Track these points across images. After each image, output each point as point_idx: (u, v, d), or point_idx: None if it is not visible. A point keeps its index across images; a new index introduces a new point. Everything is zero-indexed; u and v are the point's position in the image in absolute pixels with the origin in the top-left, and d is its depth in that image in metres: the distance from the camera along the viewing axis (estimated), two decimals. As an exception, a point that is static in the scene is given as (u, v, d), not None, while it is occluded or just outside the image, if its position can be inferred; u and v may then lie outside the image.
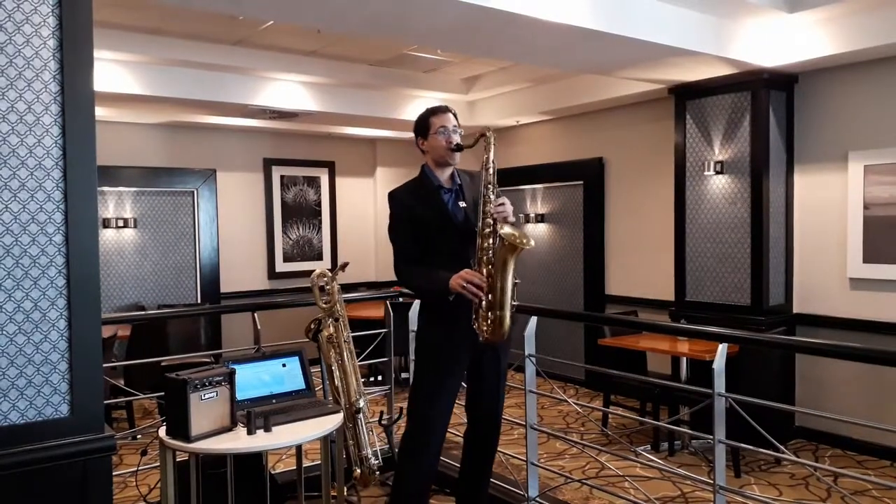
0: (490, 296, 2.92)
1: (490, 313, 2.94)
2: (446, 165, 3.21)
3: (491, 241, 2.95)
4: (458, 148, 3.13)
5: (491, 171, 2.98)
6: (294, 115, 6.92)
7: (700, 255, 5.55)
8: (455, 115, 3.22)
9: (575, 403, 4.02)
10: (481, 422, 3.31)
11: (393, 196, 3.24)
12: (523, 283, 7.70)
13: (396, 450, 3.44)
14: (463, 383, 3.31)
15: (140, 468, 3.94)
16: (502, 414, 3.39)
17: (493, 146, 3.01)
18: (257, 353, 3.73)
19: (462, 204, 3.18)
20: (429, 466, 3.21)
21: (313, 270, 3.61)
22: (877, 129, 4.91)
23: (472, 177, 3.27)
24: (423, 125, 3.22)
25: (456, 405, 3.29)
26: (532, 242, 2.89)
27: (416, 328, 3.32)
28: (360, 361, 3.60)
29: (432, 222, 3.13)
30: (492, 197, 2.96)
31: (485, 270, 2.94)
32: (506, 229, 2.89)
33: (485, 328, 2.96)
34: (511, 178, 7.77)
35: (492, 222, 2.95)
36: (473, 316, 2.99)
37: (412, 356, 3.42)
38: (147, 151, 7.41)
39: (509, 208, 3.00)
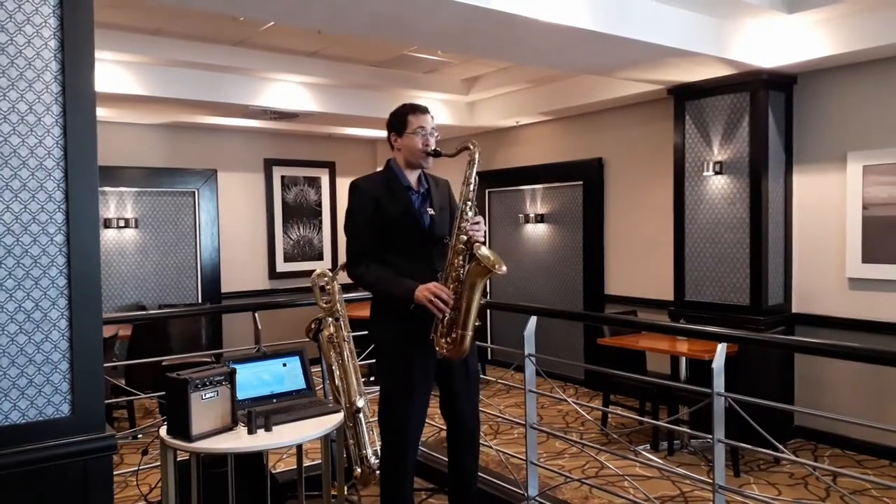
0: (454, 313, 2.87)
1: (452, 331, 2.89)
2: (416, 168, 3.11)
3: (461, 258, 2.89)
4: (436, 153, 3.05)
5: (472, 187, 2.91)
6: (294, 115, 6.94)
7: (699, 255, 5.56)
8: (433, 118, 3.13)
9: (574, 403, 4.02)
10: (459, 423, 3.22)
11: (357, 186, 3.09)
12: (523, 283, 7.72)
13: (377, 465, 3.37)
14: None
15: (141, 468, 3.95)
16: (478, 410, 3.31)
17: (476, 161, 2.92)
18: (258, 353, 3.73)
19: (430, 210, 3.09)
20: (409, 472, 3.12)
21: (314, 270, 3.62)
22: (876, 130, 4.92)
23: (437, 182, 3.21)
24: (399, 121, 3.09)
25: (432, 408, 3.23)
26: (504, 269, 2.83)
27: (372, 332, 3.17)
28: (360, 361, 3.61)
29: (398, 220, 3.03)
30: (469, 215, 2.90)
31: (452, 287, 2.89)
32: (482, 250, 2.84)
33: (444, 345, 2.92)
34: (511, 178, 7.79)
35: (465, 239, 2.89)
36: (433, 332, 2.92)
37: (377, 363, 3.26)
38: (148, 152, 7.43)
39: (483, 229, 2.93)
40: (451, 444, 3.27)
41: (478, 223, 2.91)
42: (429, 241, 3.04)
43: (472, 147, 2.94)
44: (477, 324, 2.92)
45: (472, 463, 3.28)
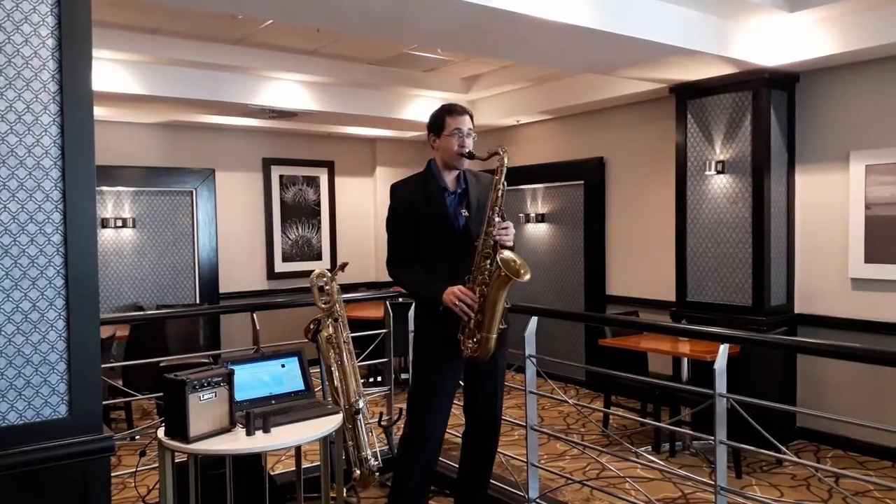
0: (480, 315, 2.96)
1: (477, 333, 2.98)
2: (453, 168, 3.19)
3: (488, 262, 2.96)
4: (470, 156, 3.12)
5: (500, 193, 2.98)
6: (293, 114, 6.91)
7: (701, 255, 5.54)
8: (472, 118, 3.19)
9: (575, 404, 4.01)
10: (480, 423, 3.30)
11: (395, 190, 3.23)
12: (524, 283, 7.67)
13: (396, 450, 3.43)
14: (461, 382, 3.31)
15: (139, 469, 3.94)
16: (501, 415, 3.37)
17: (504, 168, 2.99)
18: (256, 354, 3.71)
19: (464, 212, 3.17)
20: (428, 466, 3.20)
21: (312, 270, 3.60)
22: (878, 129, 4.90)
23: (478, 178, 3.26)
24: (437, 123, 3.18)
25: (455, 409, 3.28)
26: (528, 276, 2.90)
27: (413, 326, 3.34)
28: (359, 362, 3.59)
29: (432, 223, 3.12)
30: (496, 220, 2.96)
31: (478, 290, 2.96)
32: (505, 254, 2.92)
33: (470, 346, 3.00)
34: (511, 177, 7.66)
35: (492, 243, 2.96)
36: (459, 333, 3.02)
37: (412, 356, 3.40)
38: (146, 151, 7.40)
39: (511, 233, 3.01)
40: (469, 441, 3.33)
41: (506, 228, 2.98)
42: (463, 241, 3.11)
43: (501, 153, 3.00)
44: (503, 326, 3.01)
45: (487, 463, 3.35)
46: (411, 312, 4.29)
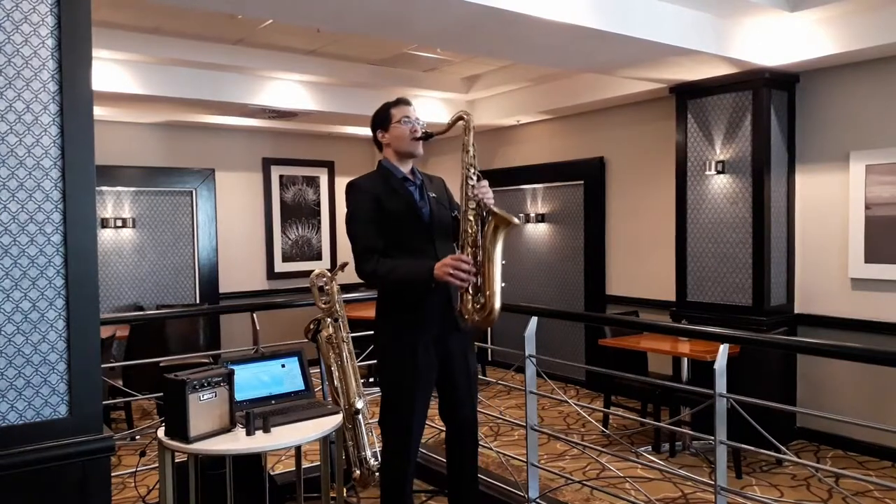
0: (478, 278, 2.84)
1: (479, 296, 2.85)
2: (409, 157, 3.11)
3: (474, 222, 2.86)
4: (426, 136, 3.04)
5: (471, 153, 2.89)
6: (293, 114, 6.91)
7: (701, 255, 5.54)
8: (415, 109, 3.13)
9: (575, 404, 4.00)
10: (459, 425, 3.20)
11: (355, 185, 3.07)
12: (523, 283, 7.69)
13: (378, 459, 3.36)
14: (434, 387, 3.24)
15: (139, 469, 3.94)
16: (477, 412, 3.29)
17: (471, 129, 2.91)
18: (256, 354, 3.71)
19: (431, 194, 3.09)
20: (410, 471, 3.13)
21: (312, 270, 3.60)
22: (878, 129, 4.90)
23: (431, 179, 3.21)
24: (382, 117, 3.12)
25: (432, 409, 3.22)
26: (517, 220, 2.86)
27: (377, 333, 3.15)
28: (359, 362, 3.59)
29: (400, 215, 3.01)
30: (474, 179, 2.87)
31: (470, 253, 2.86)
32: (495, 208, 2.84)
33: (474, 312, 2.85)
34: (511, 177, 7.76)
35: (475, 205, 2.87)
36: (458, 302, 2.89)
37: (380, 373, 3.22)
38: (146, 151, 7.40)
39: (491, 191, 2.90)
40: (451, 445, 3.26)
41: (485, 186, 2.89)
42: (431, 232, 3.03)
43: (465, 117, 2.93)
44: (502, 284, 2.88)
45: (471, 465, 3.27)
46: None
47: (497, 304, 2.83)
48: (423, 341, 2.99)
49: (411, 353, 2.99)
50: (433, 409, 3.21)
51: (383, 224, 3.00)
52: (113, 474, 2.68)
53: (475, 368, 3.25)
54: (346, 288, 3.60)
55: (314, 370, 3.52)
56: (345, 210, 3.14)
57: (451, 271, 2.79)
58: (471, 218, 2.87)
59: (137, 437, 5.39)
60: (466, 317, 2.88)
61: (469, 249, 2.87)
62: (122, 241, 7.23)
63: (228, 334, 7.63)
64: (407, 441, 3.05)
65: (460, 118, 2.93)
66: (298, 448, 3.47)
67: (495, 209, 2.83)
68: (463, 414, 3.18)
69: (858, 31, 4.54)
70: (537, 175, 7.55)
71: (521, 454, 4.02)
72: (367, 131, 8.24)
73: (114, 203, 7.21)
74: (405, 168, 3.12)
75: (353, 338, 3.56)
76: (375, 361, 3.22)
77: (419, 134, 3.05)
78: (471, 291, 2.86)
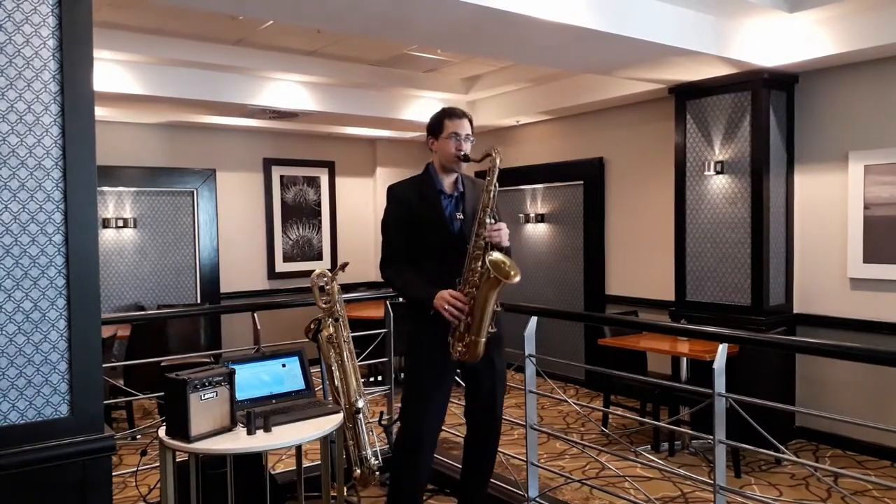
0: (469, 318, 2.93)
1: (467, 336, 2.95)
2: (450, 172, 3.19)
3: (479, 264, 2.93)
4: (465, 159, 3.11)
5: (492, 194, 2.95)
6: (294, 114, 6.92)
7: (700, 255, 5.55)
8: (471, 122, 3.18)
9: (575, 404, 4.02)
10: (479, 427, 3.29)
11: (392, 191, 3.22)
12: (523, 283, 7.65)
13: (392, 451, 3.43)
14: (461, 383, 3.31)
15: (140, 468, 3.94)
16: (502, 417, 3.36)
17: (496, 169, 2.96)
18: (257, 354, 3.72)
19: (459, 215, 3.15)
20: (423, 470, 3.19)
21: (313, 270, 3.60)
22: (877, 129, 4.91)
23: (475, 184, 3.25)
24: (436, 125, 3.19)
25: (456, 410, 3.28)
26: (518, 278, 2.87)
27: (407, 326, 3.31)
28: (359, 361, 3.60)
29: (427, 225, 3.11)
30: (488, 221, 2.94)
31: (468, 293, 2.94)
32: (495, 255, 2.88)
33: (459, 349, 2.98)
34: (511, 178, 7.76)
35: (483, 245, 2.93)
36: (449, 336, 3.00)
37: (406, 358, 3.38)
38: (147, 151, 7.41)
39: (505, 233, 2.98)
40: (470, 446, 3.32)
41: (498, 229, 2.95)
42: (458, 245, 3.08)
43: (493, 154, 2.97)
44: (492, 330, 2.97)
45: (489, 465, 3.34)
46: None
47: (480, 350, 2.97)
48: (446, 336, 3.05)
49: (435, 346, 3.07)
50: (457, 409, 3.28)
51: (413, 231, 3.12)
52: (114, 473, 2.68)
53: (503, 368, 3.31)
54: (346, 288, 3.62)
55: (315, 370, 3.53)
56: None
57: (447, 307, 2.93)
58: (477, 258, 2.95)
59: (138, 436, 5.40)
60: (451, 350, 3.00)
61: (469, 290, 2.94)
62: (123, 241, 7.24)
63: (229, 334, 7.64)
64: (420, 431, 3.13)
65: (489, 155, 2.97)
66: (299, 447, 3.48)
67: (493, 258, 2.86)
68: (485, 413, 3.26)
69: (857, 31, 4.55)
70: (537, 175, 7.56)
71: (520, 453, 4.02)
72: (367, 131, 8.37)
73: (115, 203, 7.22)
74: (447, 179, 3.20)
75: (353, 337, 3.56)
76: (403, 353, 3.32)
77: (461, 154, 3.11)
78: (461, 329, 2.97)
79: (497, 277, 2.84)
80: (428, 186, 3.17)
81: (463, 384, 3.33)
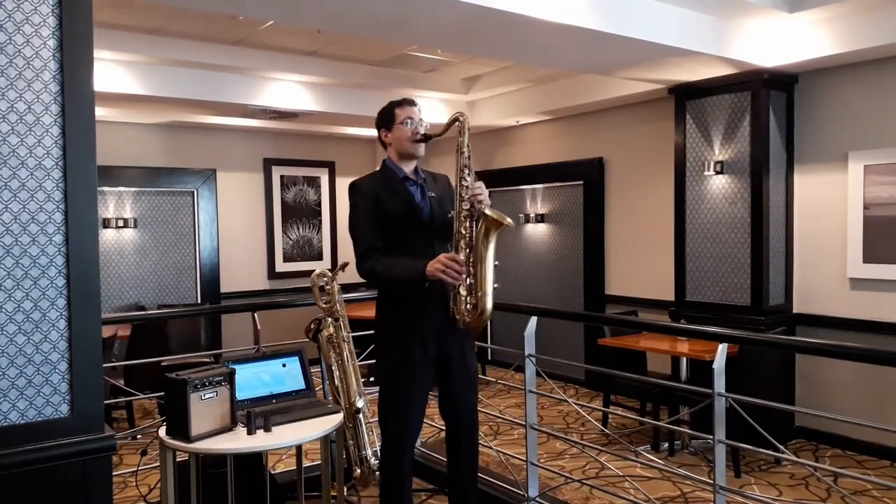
0: (470, 280, 2.87)
1: (471, 297, 2.88)
2: (411, 158, 3.14)
3: (468, 224, 2.89)
4: (425, 138, 3.07)
5: (466, 154, 2.91)
6: (294, 115, 6.93)
7: (700, 255, 5.55)
8: (419, 110, 3.16)
9: (575, 403, 4.01)
10: (458, 424, 3.21)
11: (356, 186, 3.13)
12: (523, 283, 7.70)
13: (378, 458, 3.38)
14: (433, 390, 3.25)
15: (140, 468, 3.95)
16: (477, 410, 3.30)
17: (467, 130, 2.93)
18: (257, 353, 3.73)
19: (431, 193, 3.11)
20: (407, 471, 3.16)
21: (313, 270, 3.61)
22: (877, 129, 4.91)
23: (435, 178, 3.22)
24: (386, 116, 3.15)
25: (432, 409, 3.23)
26: (511, 221, 2.86)
27: (376, 332, 3.19)
28: (359, 361, 3.60)
29: (399, 215, 3.04)
30: (468, 180, 2.89)
31: (462, 255, 2.88)
32: (487, 210, 2.85)
33: (465, 313, 2.89)
34: (511, 178, 7.77)
35: (468, 206, 2.89)
36: (452, 303, 2.91)
37: (377, 366, 3.27)
38: (147, 151, 7.42)
39: (486, 192, 2.92)
40: (451, 444, 3.27)
41: (479, 187, 2.90)
42: (431, 232, 3.05)
43: (461, 118, 2.95)
44: (495, 286, 2.90)
45: (471, 463, 3.28)
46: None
47: (489, 305, 2.87)
48: (422, 339, 3.02)
49: (409, 351, 3.02)
50: (432, 409, 3.23)
51: (383, 224, 3.04)
52: (114, 473, 2.69)
53: (474, 367, 3.26)
54: (346, 288, 3.62)
55: (315, 369, 3.53)
56: (346, 210, 3.17)
57: (443, 268, 2.82)
58: (464, 219, 2.90)
59: (139, 436, 5.40)
60: (458, 317, 2.91)
61: (463, 250, 2.89)
62: (123, 241, 7.25)
63: (229, 334, 7.65)
64: (403, 438, 3.07)
65: (455, 119, 2.96)
66: (299, 447, 3.48)
67: (487, 211, 2.84)
68: (461, 412, 3.20)
69: (857, 31, 4.55)
70: (537, 175, 7.56)
71: (520, 453, 4.03)
72: (367, 131, 8.38)
73: (115, 203, 7.23)
74: (407, 168, 3.15)
75: (353, 337, 3.57)
76: (374, 360, 3.24)
77: (420, 136, 3.07)
78: (463, 292, 2.89)
79: (493, 220, 2.80)
80: (392, 178, 3.13)
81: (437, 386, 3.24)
